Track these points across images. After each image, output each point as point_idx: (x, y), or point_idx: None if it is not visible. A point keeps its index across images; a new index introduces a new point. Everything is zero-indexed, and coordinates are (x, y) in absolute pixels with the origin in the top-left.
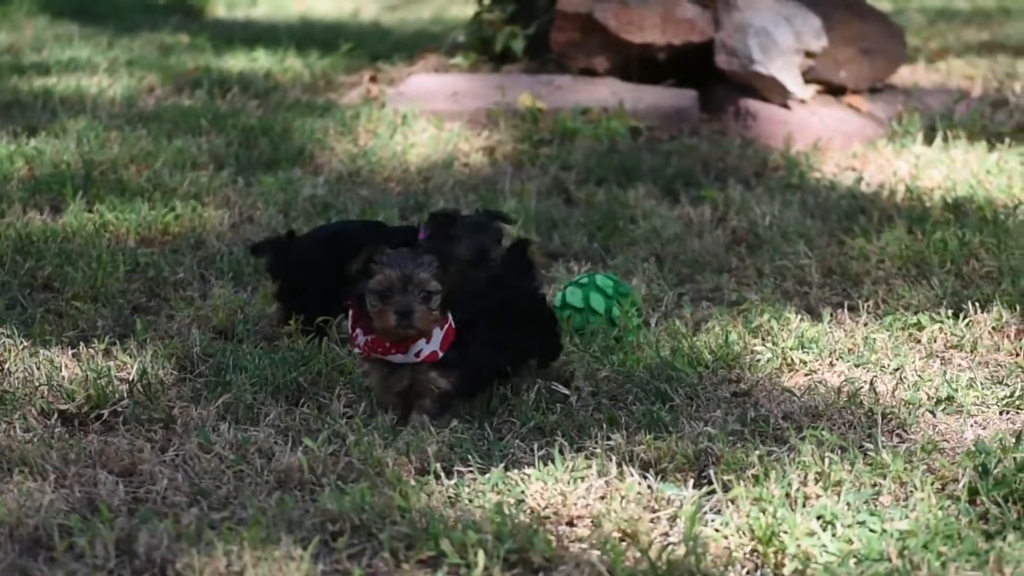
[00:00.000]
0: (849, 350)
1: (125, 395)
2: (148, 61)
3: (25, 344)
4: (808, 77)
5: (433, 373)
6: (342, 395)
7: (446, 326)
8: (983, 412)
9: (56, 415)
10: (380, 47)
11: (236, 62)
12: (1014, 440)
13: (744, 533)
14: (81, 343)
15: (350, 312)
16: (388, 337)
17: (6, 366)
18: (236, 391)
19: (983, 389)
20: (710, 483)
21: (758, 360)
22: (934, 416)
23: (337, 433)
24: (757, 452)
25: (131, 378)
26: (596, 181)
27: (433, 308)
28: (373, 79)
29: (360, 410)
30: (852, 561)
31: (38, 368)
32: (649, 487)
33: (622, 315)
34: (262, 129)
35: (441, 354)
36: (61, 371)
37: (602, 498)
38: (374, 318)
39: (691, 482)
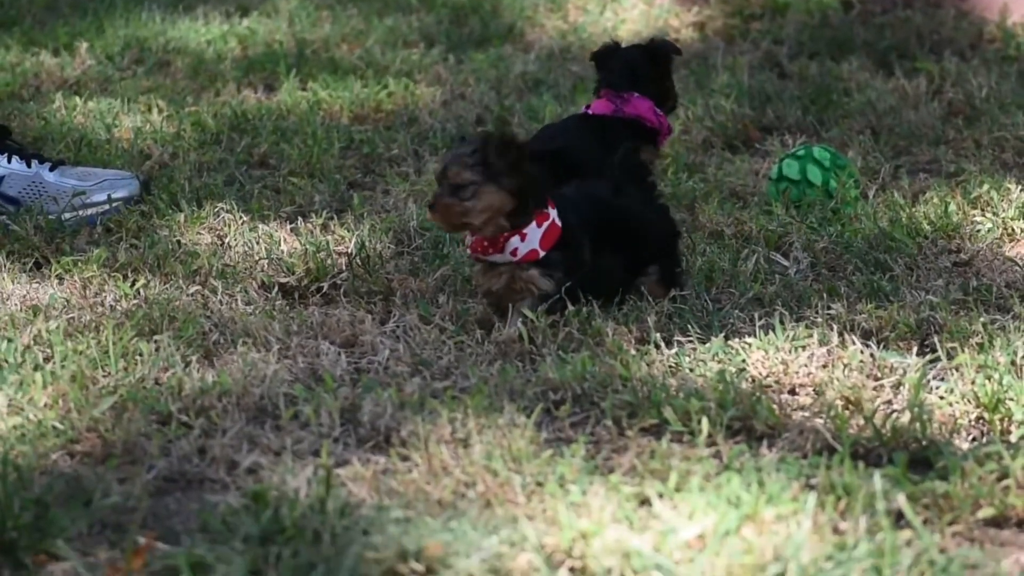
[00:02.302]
0: None
1: (344, 268)
2: None
3: (244, 219)
4: None
5: (533, 271)
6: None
7: (545, 224)
8: None
9: (277, 288)
10: None
11: None
12: None
13: (969, 400)
14: (299, 218)
15: None
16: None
17: (227, 240)
18: (454, 263)
19: None
20: (933, 351)
21: (978, 230)
22: None
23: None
24: (981, 320)
25: (349, 251)
26: (809, 55)
27: (465, 199)
28: None
29: None
30: None
31: (257, 243)
32: (872, 355)
33: (839, 187)
34: (472, 6)
35: (542, 253)
36: (280, 245)
37: (824, 366)
38: None
39: (914, 350)
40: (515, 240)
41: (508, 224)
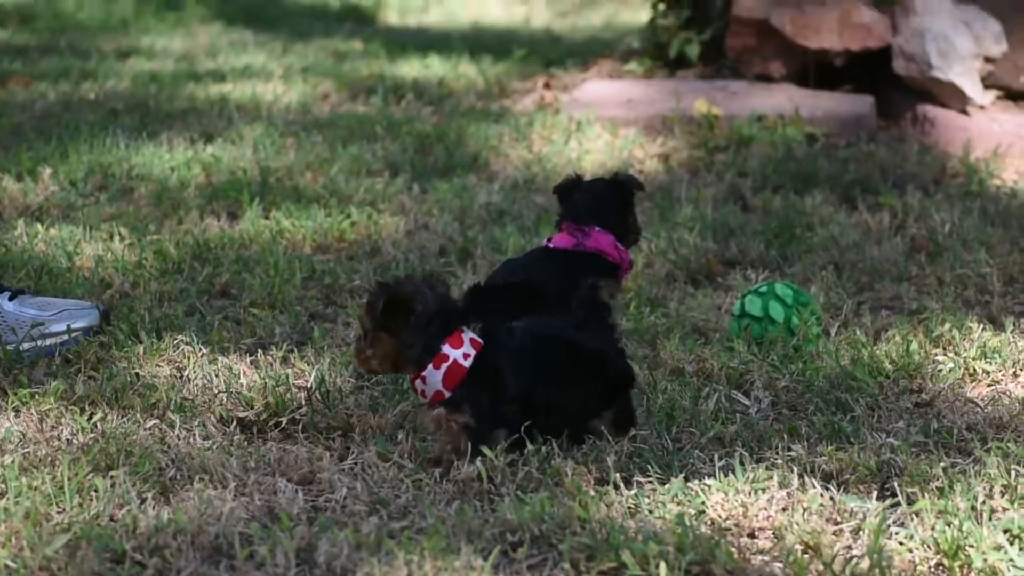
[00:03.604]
0: None
1: (303, 403)
2: (322, 68)
3: (204, 351)
4: (987, 83)
5: (440, 410)
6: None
7: (445, 365)
8: None
9: (235, 422)
10: (553, 53)
11: (410, 69)
12: None
13: (929, 547)
14: (259, 350)
15: None
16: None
17: (186, 373)
18: (413, 399)
19: None
20: (893, 495)
21: (940, 370)
22: None
23: (515, 443)
24: (942, 464)
25: (309, 386)
26: (772, 188)
27: (365, 345)
28: (547, 85)
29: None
30: None
31: (216, 375)
32: (831, 499)
33: (801, 324)
34: (437, 136)
35: (447, 393)
36: (240, 378)
37: (784, 510)
38: None
39: (874, 494)
40: (419, 383)
41: (404, 368)
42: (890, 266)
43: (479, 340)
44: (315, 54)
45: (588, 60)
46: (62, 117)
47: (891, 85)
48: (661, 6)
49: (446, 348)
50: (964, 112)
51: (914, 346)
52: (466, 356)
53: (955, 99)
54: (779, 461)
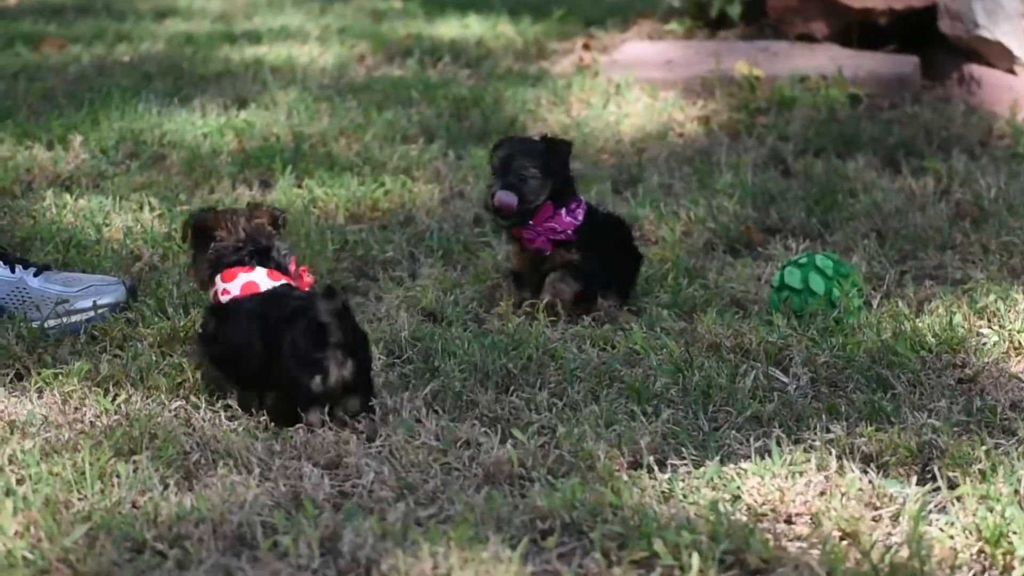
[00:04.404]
0: None
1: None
2: (359, 29)
3: None
4: None
5: None
6: (551, 381)
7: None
8: None
9: None
10: (593, 12)
11: (448, 29)
12: None
13: (971, 533)
14: None
15: None
16: None
17: None
18: (444, 378)
19: None
20: (934, 479)
21: (984, 344)
22: None
23: (546, 425)
24: (984, 447)
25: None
26: (815, 152)
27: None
28: (586, 47)
29: (568, 399)
30: None
31: None
32: (871, 483)
33: (842, 296)
34: (473, 99)
35: None
36: None
37: (821, 494)
38: None
39: (914, 478)
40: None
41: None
42: (934, 233)
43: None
44: (353, 14)
45: (628, 19)
46: (95, 81)
47: (936, 45)
48: None
49: (217, 279)
50: (1011, 72)
51: (958, 318)
52: (225, 292)
53: (1002, 59)
54: (817, 443)
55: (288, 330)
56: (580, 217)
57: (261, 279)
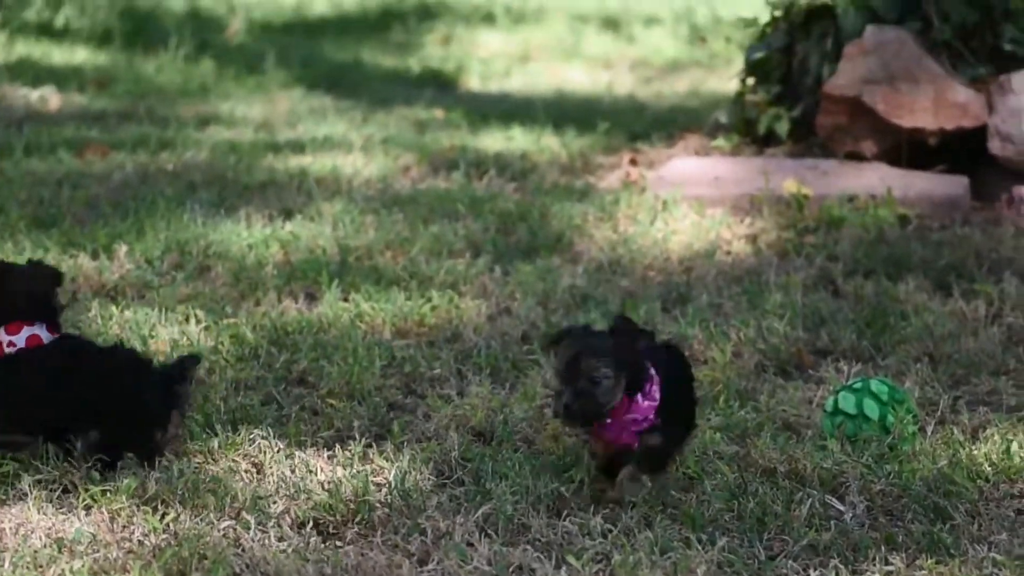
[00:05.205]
0: None
1: (380, 503)
2: (403, 139)
3: (280, 446)
4: None
5: None
6: (605, 506)
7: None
8: None
9: (311, 523)
10: (637, 124)
11: (492, 141)
12: None
13: None
14: (337, 444)
15: None
16: None
17: (262, 469)
18: (496, 501)
19: None
20: None
21: None
22: None
23: (600, 551)
24: None
25: (390, 483)
26: (864, 273)
27: None
28: (633, 162)
29: (622, 524)
30: None
31: (294, 471)
32: None
33: (897, 422)
34: (520, 214)
35: None
36: (317, 474)
37: None
38: None
39: None
40: None
41: None
42: (987, 358)
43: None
44: (396, 123)
45: (674, 133)
46: (139, 189)
47: (986, 165)
48: (750, 81)
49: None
50: None
51: (1015, 447)
52: (10, 345)
53: None
54: (876, 574)
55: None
56: (657, 396)
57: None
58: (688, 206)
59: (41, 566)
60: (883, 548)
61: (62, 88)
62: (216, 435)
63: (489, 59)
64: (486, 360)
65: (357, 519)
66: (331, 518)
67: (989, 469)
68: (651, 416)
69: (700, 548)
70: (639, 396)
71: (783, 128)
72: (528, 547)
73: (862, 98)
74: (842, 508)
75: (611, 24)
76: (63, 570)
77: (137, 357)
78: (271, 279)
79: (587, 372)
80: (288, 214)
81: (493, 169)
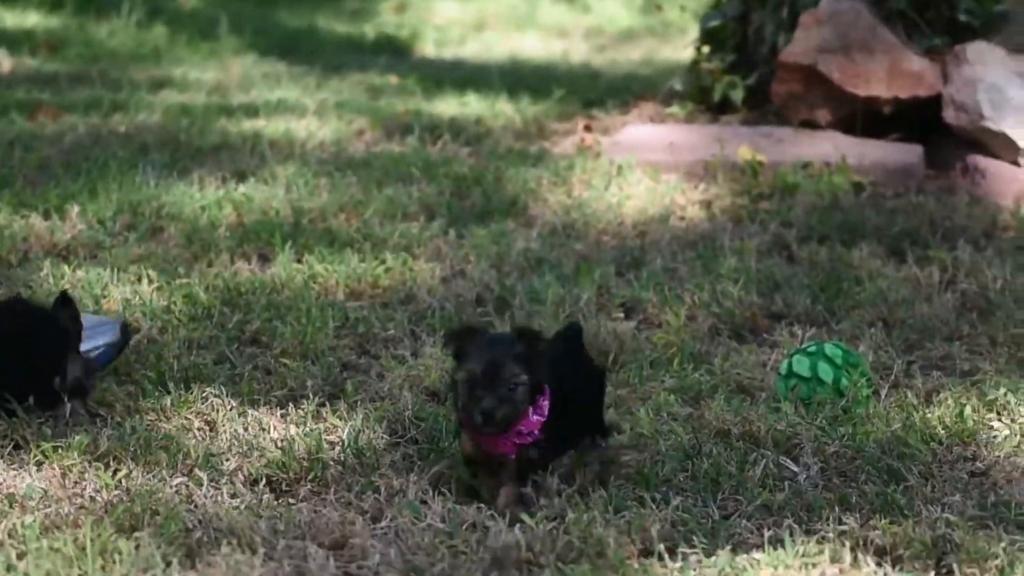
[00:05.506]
0: None
1: (334, 461)
2: (357, 104)
3: (233, 404)
4: None
5: None
6: (559, 465)
7: None
8: None
9: (264, 480)
10: (592, 91)
11: (447, 106)
12: None
13: None
14: (290, 403)
15: None
16: None
17: (214, 427)
18: (450, 459)
19: None
20: (949, 573)
21: (995, 437)
22: None
23: (555, 511)
24: (1001, 543)
25: (343, 441)
26: (818, 239)
27: None
28: (587, 128)
29: (576, 484)
30: None
31: (246, 429)
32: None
33: (851, 386)
34: (474, 178)
35: None
36: (270, 433)
37: None
38: None
39: (931, 572)
40: None
41: None
42: (941, 324)
43: None
44: (350, 89)
45: (628, 100)
46: (91, 151)
47: (941, 135)
48: (705, 49)
49: None
50: (1016, 163)
51: (967, 411)
52: None
53: (1007, 150)
54: (830, 534)
55: None
56: (546, 411)
57: None
58: (643, 172)
59: None
60: (837, 508)
61: (13, 52)
62: (169, 393)
63: (444, 26)
64: (440, 321)
65: (310, 477)
66: (284, 475)
67: (942, 432)
68: (536, 431)
69: (654, 507)
70: (531, 409)
71: (738, 96)
72: (482, 505)
73: (817, 67)
74: (796, 469)
75: None
76: (14, 524)
77: (29, 306)
78: (224, 240)
79: (509, 379)
80: (241, 176)
81: (447, 134)
